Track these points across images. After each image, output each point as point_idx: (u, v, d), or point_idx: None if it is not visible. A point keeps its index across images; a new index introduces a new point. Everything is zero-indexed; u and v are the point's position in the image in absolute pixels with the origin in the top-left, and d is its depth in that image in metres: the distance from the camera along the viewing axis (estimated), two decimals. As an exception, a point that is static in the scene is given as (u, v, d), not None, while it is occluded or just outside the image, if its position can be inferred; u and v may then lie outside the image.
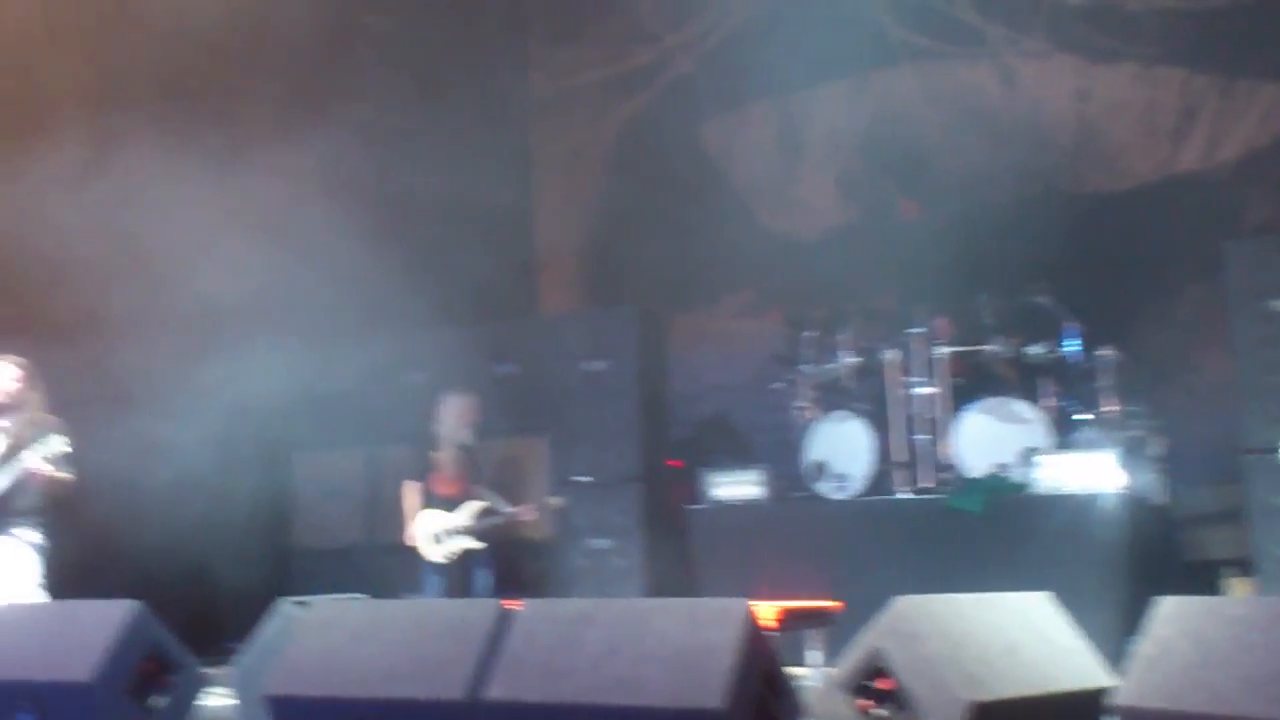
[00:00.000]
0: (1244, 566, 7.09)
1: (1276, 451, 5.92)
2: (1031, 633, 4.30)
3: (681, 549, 7.89)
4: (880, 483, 7.37)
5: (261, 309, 8.20)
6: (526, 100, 11.20)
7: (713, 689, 3.65)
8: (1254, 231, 8.01)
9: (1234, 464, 7.01)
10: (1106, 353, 7.31)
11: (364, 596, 5.54)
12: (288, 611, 5.34)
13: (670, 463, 8.82)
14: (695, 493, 7.94)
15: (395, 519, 7.77)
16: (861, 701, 4.03)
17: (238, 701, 5.36)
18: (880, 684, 3.99)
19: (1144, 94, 8.81)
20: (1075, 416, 7.40)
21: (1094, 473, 6.71)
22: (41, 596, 6.26)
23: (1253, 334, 6.93)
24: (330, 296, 8.58)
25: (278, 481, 9.55)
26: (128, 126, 7.53)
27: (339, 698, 4.33)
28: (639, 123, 10.67)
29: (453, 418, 7.69)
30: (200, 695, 5.23)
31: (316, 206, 7.99)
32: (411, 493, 7.62)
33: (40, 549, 6.36)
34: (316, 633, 4.64)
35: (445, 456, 7.64)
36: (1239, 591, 6.94)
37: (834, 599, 5.61)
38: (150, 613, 5.02)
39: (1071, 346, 7.42)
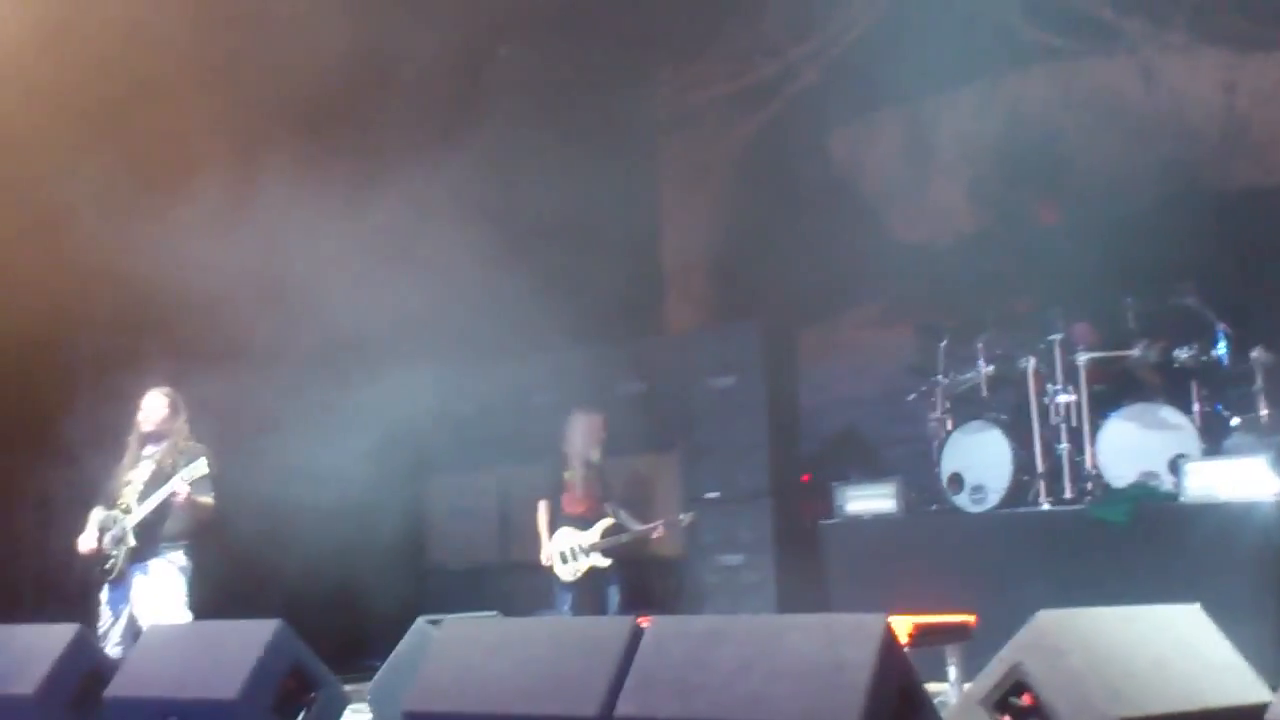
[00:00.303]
0: None
1: None
2: (1180, 647, 4.13)
3: (813, 565, 7.83)
4: (1019, 494, 7.19)
5: (397, 335, 8.44)
6: (652, 118, 11.28)
7: (848, 707, 3.60)
8: None
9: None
10: (1259, 354, 6.98)
11: (497, 614, 5.63)
12: (424, 629, 5.45)
13: (801, 478, 8.76)
14: (827, 507, 7.85)
15: (526, 538, 7.91)
16: (1001, 718, 3.93)
17: (376, 718, 5.49)
18: (1020, 700, 3.89)
19: (1295, 83, 8.44)
20: (1226, 422, 7.10)
21: (1246, 480, 6.41)
22: (187, 617, 6.48)
23: None
24: (461, 320, 8.74)
25: (414, 503, 9.78)
26: (267, 162, 7.82)
27: (474, 714, 4.39)
28: (765, 136, 10.63)
29: (581, 436, 7.81)
30: (341, 712, 5.34)
31: (447, 232, 8.16)
32: (544, 511, 7.73)
33: (186, 571, 6.59)
34: (452, 650, 4.71)
35: (575, 475, 7.74)
36: None
37: (972, 614, 5.49)
38: (292, 632, 5.15)
39: (1221, 349, 7.12)
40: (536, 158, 9.58)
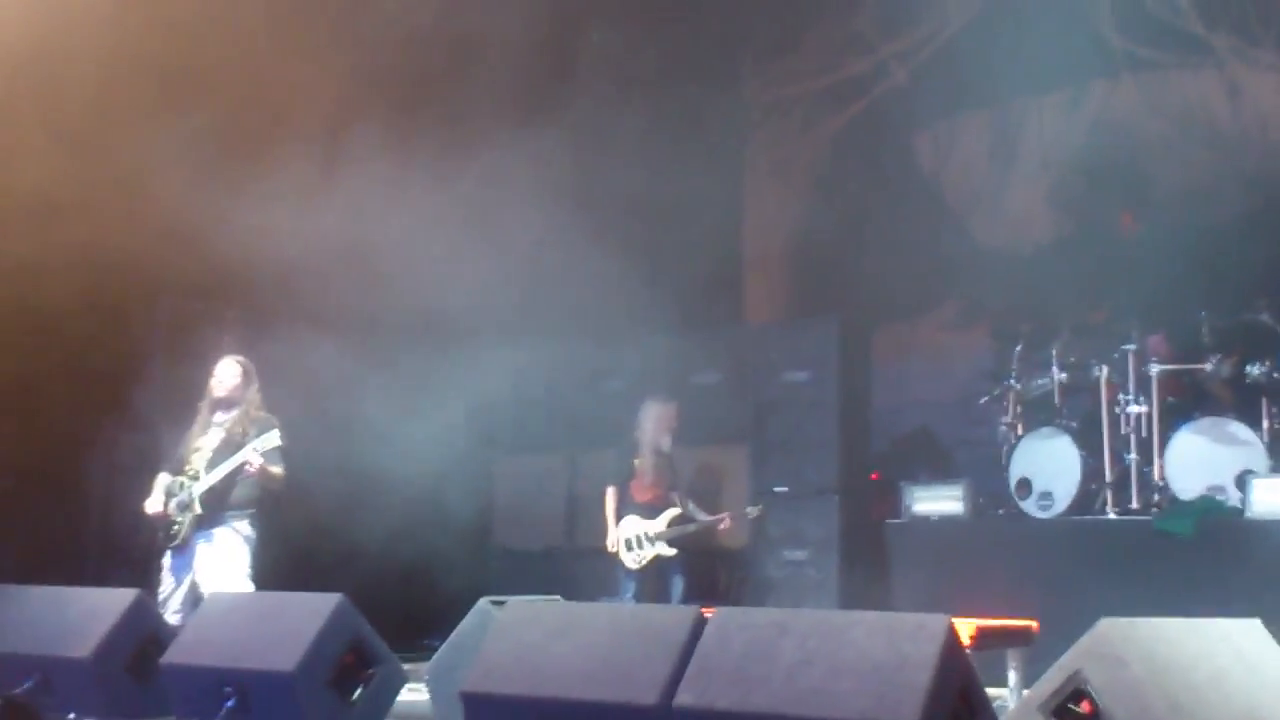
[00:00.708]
0: None
1: None
2: (1239, 661, 4.18)
3: (878, 563, 7.88)
4: (1086, 502, 7.23)
5: (474, 312, 8.44)
6: (741, 109, 11.32)
7: (908, 705, 3.64)
8: None
9: None
10: (1332, 373, 6.99)
11: (560, 598, 5.62)
12: (485, 610, 5.36)
13: (871, 476, 8.82)
14: (894, 507, 7.92)
15: (594, 523, 7.95)
16: (1059, 723, 4.03)
17: (433, 697, 5.41)
18: (1080, 707, 3.94)
19: (1378, 101, 8.37)
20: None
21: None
22: (250, 587, 6.44)
23: None
24: (539, 301, 8.86)
25: (483, 482, 9.79)
26: (353, 133, 7.84)
27: (532, 697, 4.36)
28: (852, 133, 10.65)
29: (653, 424, 7.85)
30: (398, 690, 5.32)
31: (530, 212, 8.22)
32: (611, 498, 7.79)
33: (251, 541, 6.54)
34: (513, 632, 4.67)
35: (645, 463, 7.79)
36: None
37: (1034, 619, 5.55)
38: (353, 607, 5.13)
39: (1295, 367, 7.12)
40: (623, 142, 9.66)
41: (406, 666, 5.52)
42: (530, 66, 9.16)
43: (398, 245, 7.76)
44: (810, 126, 10.89)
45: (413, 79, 8.61)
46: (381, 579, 7.78)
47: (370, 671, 5.14)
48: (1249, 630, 4.35)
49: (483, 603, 5.43)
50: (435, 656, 5.49)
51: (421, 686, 5.79)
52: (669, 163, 9.27)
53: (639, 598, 7.57)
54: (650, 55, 10.07)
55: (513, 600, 5.13)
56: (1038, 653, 4.48)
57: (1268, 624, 4.39)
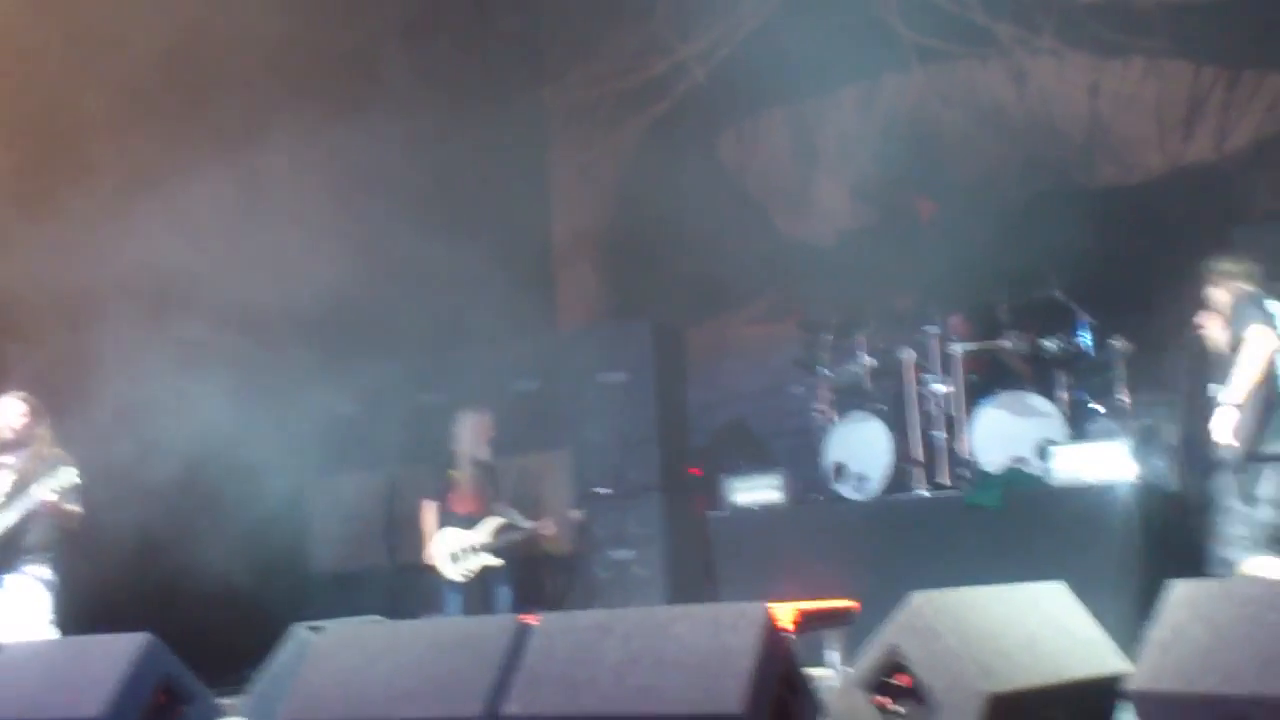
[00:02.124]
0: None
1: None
2: (1047, 623, 4.32)
3: (703, 557, 7.93)
4: (899, 482, 7.40)
5: (284, 331, 8.22)
6: (544, 114, 11.29)
7: (731, 694, 3.65)
8: (1263, 219, 8.02)
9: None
10: (1118, 344, 7.33)
11: (380, 618, 5.51)
12: (302, 636, 5.25)
13: (690, 471, 8.88)
14: (715, 500, 7.98)
15: (414, 539, 7.78)
16: (879, 698, 4.06)
17: None
18: (898, 680, 4.02)
19: (1153, 87, 8.84)
20: (1089, 408, 7.43)
21: (1108, 463, 6.73)
22: (53, 633, 6.19)
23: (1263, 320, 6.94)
24: (348, 317, 8.63)
25: (296, 505, 9.52)
26: (150, 145, 7.56)
27: None
28: (656, 133, 10.72)
29: (470, 435, 7.73)
30: None
31: (339, 229, 8.02)
32: (429, 512, 7.64)
33: (51, 585, 6.29)
34: (331, 657, 4.57)
35: (464, 474, 7.67)
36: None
37: (855, 599, 5.64)
38: (162, 645, 4.96)
39: (1085, 339, 7.45)
40: (425, 153, 9.52)
41: (227, 700, 5.36)
42: (333, 75, 8.93)
43: (195, 265, 7.50)
44: (614, 128, 10.92)
45: (203, 86, 8.29)
46: (196, 612, 7.50)
47: (183, 709, 4.98)
48: (1055, 593, 4.51)
49: (297, 629, 5.28)
50: (253, 688, 5.34)
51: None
52: (475, 172, 9.16)
53: (466, 611, 7.43)
54: (451, 64, 9.94)
55: (330, 624, 5.00)
56: (861, 632, 4.54)
57: (1071, 585, 4.55)
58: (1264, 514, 5.58)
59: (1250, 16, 8.35)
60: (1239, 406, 5.52)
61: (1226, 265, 5.93)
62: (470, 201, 9.01)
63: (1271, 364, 5.61)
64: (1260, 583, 4.76)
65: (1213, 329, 5.95)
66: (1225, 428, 5.54)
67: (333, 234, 8.00)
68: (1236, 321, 5.67)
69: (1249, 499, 5.63)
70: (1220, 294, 5.88)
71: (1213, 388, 5.85)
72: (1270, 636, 3.48)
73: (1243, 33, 8.43)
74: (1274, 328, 5.64)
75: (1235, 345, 5.68)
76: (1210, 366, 6.01)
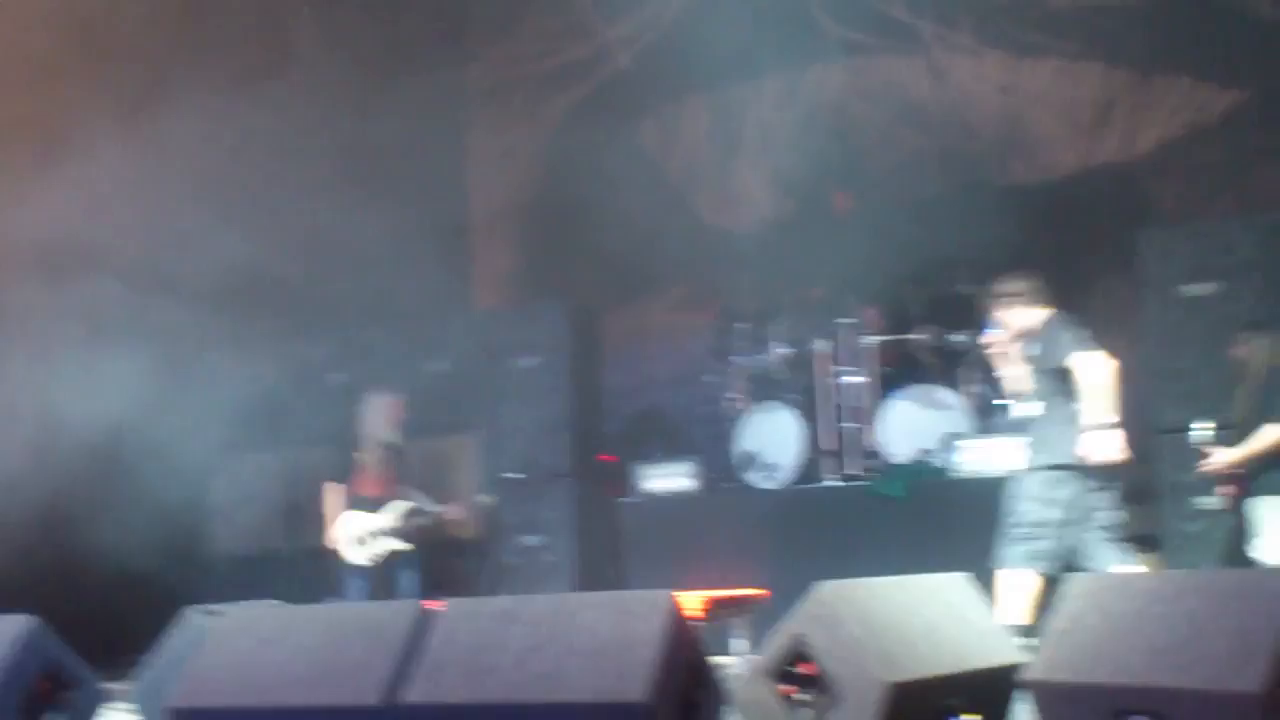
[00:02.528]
0: (1152, 543, 7.29)
1: (1189, 431, 6.08)
2: (949, 613, 4.38)
3: (614, 543, 7.93)
4: (809, 471, 7.48)
5: (180, 304, 8.00)
6: (464, 94, 11.16)
7: (636, 681, 3.64)
8: (1166, 221, 8.21)
9: (1144, 445, 7.19)
10: (1025, 340, 7.46)
11: (278, 603, 5.39)
12: (195, 621, 5.12)
13: (602, 457, 8.87)
14: (627, 487, 7.98)
15: (317, 523, 7.63)
16: (783, 687, 4.09)
17: (140, 717, 5.13)
18: (802, 669, 4.05)
19: (1065, 88, 8.97)
20: (995, 402, 7.56)
21: (1011, 457, 6.85)
22: None
23: (1163, 319, 7.16)
24: (253, 295, 8.46)
25: (195, 486, 9.30)
26: (49, 109, 7.32)
27: (246, 707, 4.16)
28: (577, 116, 10.65)
29: (378, 417, 7.60)
30: (99, 712, 5.06)
31: (244, 199, 7.85)
32: (333, 494, 7.49)
33: None
34: (225, 641, 4.46)
35: (370, 456, 7.54)
36: (1148, 567, 7.13)
37: (764, 587, 5.68)
38: (45, 628, 4.85)
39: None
40: (339, 125, 9.36)
41: (116, 685, 5.23)
42: (240, 41, 8.72)
43: (96, 234, 7.29)
44: (535, 109, 10.83)
45: (92, 58, 8.03)
46: (91, 593, 7.35)
47: (67, 694, 4.88)
48: (957, 583, 4.57)
49: (190, 613, 5.15)
50: (142, 673, 5.18)
51: (128, 706, 5.44)
52: (391, 148, 9.02)
53: (369, 596, 7.31)
54: (367, 36, 9.78)
55: (224, 608, 4.89)
56: (768, 620, 4.57)
57: (974, 576, 4.63)
58: (1028, 510, 5.63)
59: (1160, 21, 8.52)
60: (1115, 425, 5.55)
61: (1018, 286, 5.97)
62: (385, 177, 8.86)
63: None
64: (1152, 576, 4.90)
65: (1006, 349, 5.99)
66: (1112, 447, 5.54)
67: (240, 205, 7.84)
68: (1051, 343, 5.70)
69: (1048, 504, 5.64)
70: (1024, 314, 5.89)
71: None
72: (1159, 628, 3.58)
73: (1153, 37, 8.60)
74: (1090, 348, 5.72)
75: (1044, 366, 5.72)
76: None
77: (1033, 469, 5.67)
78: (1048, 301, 5.89)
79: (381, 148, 8.91)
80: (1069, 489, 5.55)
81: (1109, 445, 5.47)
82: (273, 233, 7.81)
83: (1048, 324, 5.78)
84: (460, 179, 10.99)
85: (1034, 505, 5.59)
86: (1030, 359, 5.81)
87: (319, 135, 8.74)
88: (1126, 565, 5.57)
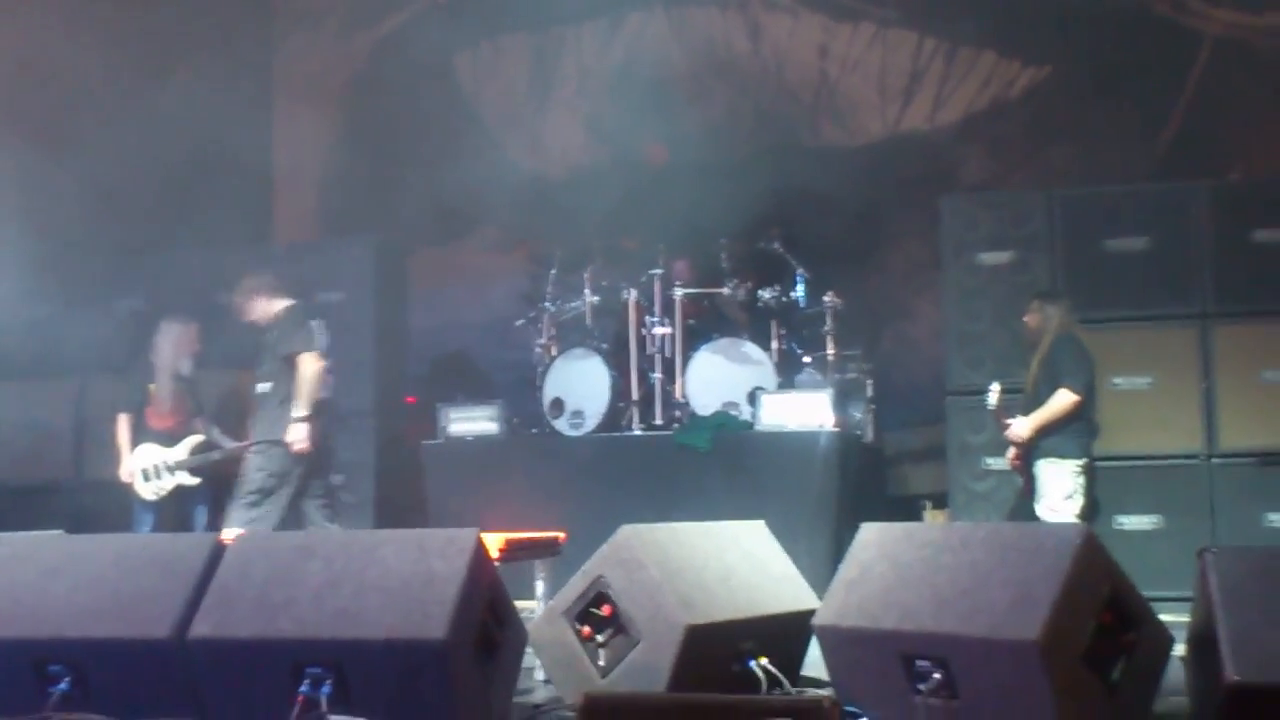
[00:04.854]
0: (941, 499, 7.67)
1: (987, 394, 6.34)
2: (746, 559, 4.49)
3: (415, 485, 7.82)
4: (615, 419, 7.50)
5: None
6: (270, 18, 10.70)
7: (436, 618, 3.60)
8: (968, 189, 8.53)
9: (938, 406, 7.54)
10: (829, 299, 7.66)
11: (62, 533, 5.16)
12: None
13: (407, 399, 8.71)
14: (431, 429, 7.87)
15: (105, 454, 7.32)
16: (584, 628, 4.13)
17: None
18: (601, 611, 4.09)
19: (879, 54, 9.19)
20: (799, 359, 7.75)
21: (811, 412, 7.06)
22: None
23: (961, 285, 7.45)
24: (44, 216, 7.99)
25: None
26: None
27: (26, 639, 3.95)
28: (387, 50, 10.34)
29: (171, 346, 7.28)
30: None
31: (42, 115, 7.39)
32: (124, 425, 7.19)
33: None
34: (5, 570, 4.20)
35: (162, 388, 7.25)
36: (935, 521, 7.48)
37: (567, 533, 5.68)
38: None
39: (799, 292, 7.74)
40: (147, 49, 8.88)
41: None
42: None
43: None
44: (344, 39, 10.48)
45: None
46: None
47: None
48: (754, 530, 4.70)
49: (-34, 542, 4.80)
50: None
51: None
52: (195, 75, 8.59)
53: (159, 529, 7.03)
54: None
55: (5, 536, 4.57)
56: (569, 564, 4.58)
57: (773, 525, 4.74)
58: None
59: (970, -6, 8.83)
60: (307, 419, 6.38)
61: (261, 280, 6.79)
62: (186, 101, 8.44)
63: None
64: (939, 528, 5.10)
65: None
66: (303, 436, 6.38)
67: (33, 116, 7.37)
68: (287, 337, 6.55)
69: None
70: (264, 304, 6.71)
71: None
72: (945, 578, 3.73)
73: (964, 9, 8.89)
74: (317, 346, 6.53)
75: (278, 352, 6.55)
76: None
77: (255, 443, 6.55)
78: (287, 294, 6.70)
79: (185, 76, 8.48)
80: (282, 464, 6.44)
81: (303, 434, 6.36)
82: (65, 146, 7.36)
83: (285, 314, 6.60)
84: (265, 109, 10.55)
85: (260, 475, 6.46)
86: (265, 342, 6.63)
87: (121, 48, 8.27)
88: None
